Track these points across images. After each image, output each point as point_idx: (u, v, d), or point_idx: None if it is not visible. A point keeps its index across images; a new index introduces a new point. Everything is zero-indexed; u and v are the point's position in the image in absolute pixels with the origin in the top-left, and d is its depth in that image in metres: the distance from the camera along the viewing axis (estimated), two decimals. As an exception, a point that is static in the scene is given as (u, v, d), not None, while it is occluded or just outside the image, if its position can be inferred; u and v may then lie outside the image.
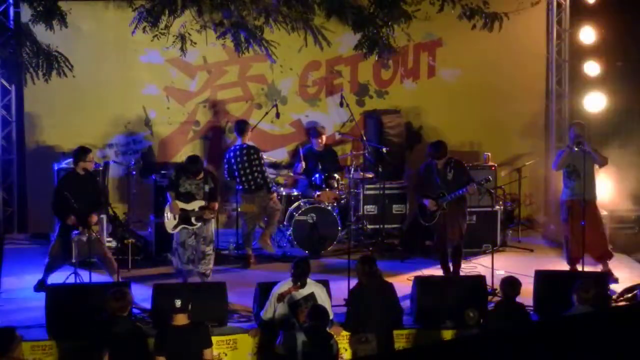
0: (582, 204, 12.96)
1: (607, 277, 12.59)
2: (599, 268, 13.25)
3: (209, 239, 12.94)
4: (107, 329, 10.32)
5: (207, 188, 12.86)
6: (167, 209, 12.93)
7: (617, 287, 12.81)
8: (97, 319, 10.53)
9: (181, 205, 12.78)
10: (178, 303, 10.24)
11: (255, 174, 13.83)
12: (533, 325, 9.48)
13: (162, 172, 14.34)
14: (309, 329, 10.33)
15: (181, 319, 10.25)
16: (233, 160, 13.89)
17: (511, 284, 11.02)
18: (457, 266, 13.17)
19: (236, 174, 13.89)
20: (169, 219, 12.86)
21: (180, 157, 14.80)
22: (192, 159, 12.98)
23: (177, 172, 12.97)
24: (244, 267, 13.86)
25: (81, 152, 12.84)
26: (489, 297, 12.15)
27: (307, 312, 10.55)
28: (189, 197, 12.81)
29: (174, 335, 10.25)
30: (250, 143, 13.98)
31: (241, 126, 14.11)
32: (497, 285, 11.94)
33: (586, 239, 12.88)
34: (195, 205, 12.79)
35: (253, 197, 13.91)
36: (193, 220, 12.79)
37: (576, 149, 13.09)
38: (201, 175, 12.87)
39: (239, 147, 13.94)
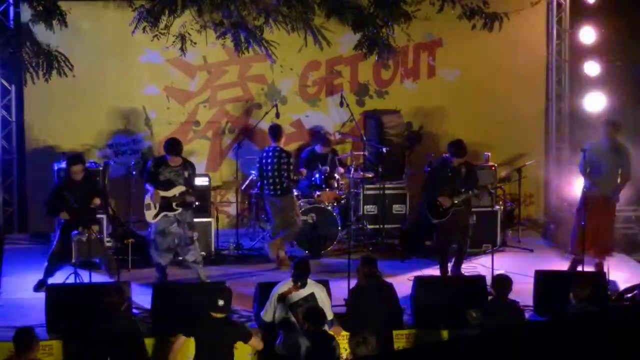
0: (600, 198, 13.14)
1: (604, 276, 12.57)
2: (595, 263, 13.32)
3: (192, 224, 13.04)
4: (104, 325, 10.36)
5: (186, 174, 12.98)
6: (147, 199, 13.00)
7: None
8: (94, 317, 10.58)
9: (162, 193, 12.87)
10: (220, 302, 10.26)
11: (283, 179, 13.75)
12: (532, 324, 9.49)
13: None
14: (310, 332, 10.33)
15: (220, 316, 10.37)
16: (264, 162, 13.86)
17: (503, 282, 11.09)
18: (460, 264, 13.18)
19: (265, 175, 13.86)
20: (150, 209, 12.94)
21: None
22: (174, 140, 13.08)
23: (156, 162, 13.09)
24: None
25: (68, 162, 12.98)
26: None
27: (302, 313, 10.54)
28: (168, 185, 12.93)
29: (209, 324, 10.31)
30: (280, 146, 13.88)
31: (274, 130, 14.02)
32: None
33: (592, 231, 13.00)
34: (176, 191, 12.92)
35: (276, 202, 13.83)
36: (174, 205, 12.88)
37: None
38: (180, 161, 12.96)
39: (271, 149, 13.90)
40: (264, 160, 13.87)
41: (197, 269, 13.01)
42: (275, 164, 13.73)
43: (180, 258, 13.13)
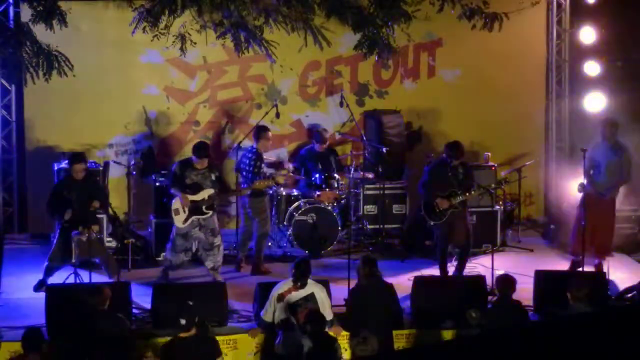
0: (598, 197, 13.22)
1: (604, 276, 12.56)
2: (595, 263, 13.34)
3: (217, 230, 13.06)
4: (89, 326, 10.36)
5: (213, 177, 13.03)
6: (174, 204, 12.97)
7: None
8: (78, 318, 10.57)
9: (190, 197, 12.89)
10: (182, 322, 10.18)
11: (252, 180, 13.75)
12: (532, 324, 9.49)
13: (162, 172, 14.34)
14: (313, 333, 10.31)
15: (186, 334, 10.26)
16: (242, 159, 13.93)
17: (507, 282, 11.10)
18: (463, 266, 13.18)
19: (242, 174, 13.89)
20: (179, 214, 12.92)
21: (181, 157, 14.75)
22: (202, 144, 13.28)
23: (182, 166, 13.13)
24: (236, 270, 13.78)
25: (70, 160, 13.00)
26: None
27: (305, 316, 10.53)
28: (196, 188, 12.96)
29: (181, 346, 10.22)
30: (257, 148, 13.90)
31: (257, 132, 14.02)
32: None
33: (591, 230, 13.05)
34: (205, 194, 12.95)
35: (245, 202, 13.77)
36: (204, 209, 12.88)
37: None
38: (206, 163, 13.02)
39: (248, 149, 13.95)
40: (241, 159, 13.91)
41: (214, 275, 13.04)
42: (247, 165, 13.76)
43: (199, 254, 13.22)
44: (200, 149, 13.11)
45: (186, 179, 13.02)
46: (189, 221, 12.95)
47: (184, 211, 12.96)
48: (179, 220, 12.98)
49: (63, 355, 10.85)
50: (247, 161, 13.79)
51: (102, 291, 10.70)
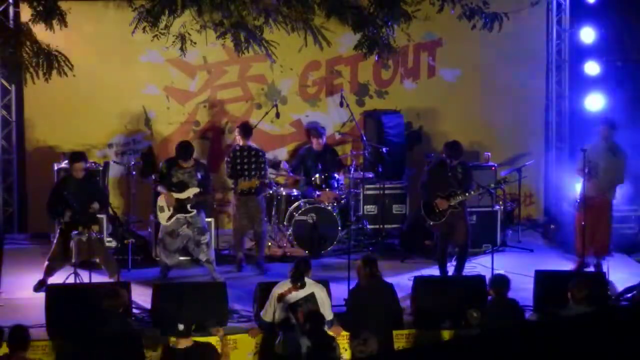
0: (597, 198, 13.24)
1: (604, 276, 12.57)
2: (593, 263, 13.36)
3: (205, 229, 13.11)
4: (99, 328, 10.35)
5: (199, 175, 12.99)
6: (159, 201, 12.99)
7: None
8: (90, 318, 10.56)
9: (175, 195, 12.88)
10: (181, 327, 10.11)
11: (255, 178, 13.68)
12: (532, 324, 9.51)
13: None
14: (311, 332, 10.31)
15: (184, 342, 10.19)
16: (238, 160, 13.73)
17: (502, 282, 11.11)
18: (462, 266, 13.17)
19: (239, 173, 13.76)
20: (164, 211, 12.95)
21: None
22: (185, 144, 13.18)
23: (168, 164, 13.10)
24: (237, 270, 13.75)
25: (70, 159, 13.03)
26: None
27: (304, 315, 10.53)
28: (182, 186, 12.96)
29: (179, 357, 10.18)
30: (254, 145, 13.89)
31: (247, 129, 13.97)
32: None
33: (590, 230, 13.12)
34: (190, 192, 12.96)
35: (247, 201, 13.68)
36: (189, 207, 12.88)
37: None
38: (192, 162, 12.99)
39: (246, 148, 13.76)
40: (238, 160, 13.69)
41: (209, 268, 13.05)
42: (253, 164, 13.65)
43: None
44: (183, 151, 13.00)
45: (172, 177, 13.02)
46: (173, 219, 12.96)
47: (168, 209, 12.98)
48: (163, 218, 13.03)
49: (65, 356, 10.85)
50: (254, 160, 13.61)
51: (118, 293, 10.67)
